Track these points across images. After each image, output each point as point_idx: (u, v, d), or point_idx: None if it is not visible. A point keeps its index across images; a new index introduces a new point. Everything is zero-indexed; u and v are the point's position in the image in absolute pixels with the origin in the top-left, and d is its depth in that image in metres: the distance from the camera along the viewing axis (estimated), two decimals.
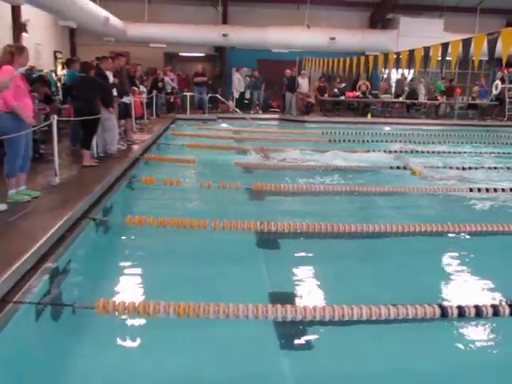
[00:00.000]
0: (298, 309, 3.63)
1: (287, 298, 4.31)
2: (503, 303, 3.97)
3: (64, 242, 4.77)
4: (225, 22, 20.71)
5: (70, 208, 5.38)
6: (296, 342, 3.70)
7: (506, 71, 19.64)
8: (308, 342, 3.69)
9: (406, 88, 20.59)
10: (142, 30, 19.06)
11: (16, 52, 5.42)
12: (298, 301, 4.25)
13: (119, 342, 3.56)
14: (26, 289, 3.74)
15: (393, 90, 22.17)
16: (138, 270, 4.86)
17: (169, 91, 17.95)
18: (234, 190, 7.61)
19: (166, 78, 17.75)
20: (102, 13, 15.32)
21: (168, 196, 7.47)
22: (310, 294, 4.47)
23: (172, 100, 18.34)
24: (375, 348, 3.67)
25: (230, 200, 7.37)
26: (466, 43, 8.89)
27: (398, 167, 9.59)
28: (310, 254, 5.48)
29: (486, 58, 9.24)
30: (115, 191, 7.09)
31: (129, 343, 3.55)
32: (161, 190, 7.58)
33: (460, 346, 3.71)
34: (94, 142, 8.17)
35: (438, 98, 20.68)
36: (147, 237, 5.58)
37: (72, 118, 8.29)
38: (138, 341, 3.60)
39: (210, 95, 18.19)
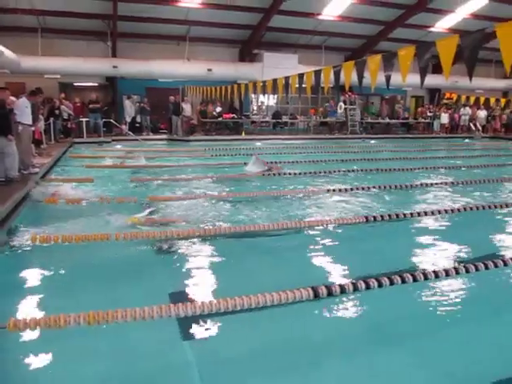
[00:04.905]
0: (197, 304, 3.56)
1: (186, 296, 4.24)
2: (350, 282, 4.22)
3: None
4: (114, 55, 20.03)
5: None
6: (197, 332, 3.60)
7: (347, 95, 21.29)
8: (208, 331, 3.62)
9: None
10: (35, 62, 17.69)
11: None
12: (195, 297, 4.15)
13: (34, 355, 3.22)
14: None
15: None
16: (47, 286, 4.43)
17: (65, 117, 16.92)
18: (132, 203, 7.33)
19: (62, 106, 16.71)
20: None
21: (71, 214, 6.88)
22: (205, 290, 4.40)
23: (69, 126, 17.29)
24: (266, 329, 3.71)
25: (129, 212, 7.06)
26: (317, 74, 9.45)
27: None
28: (201, 255, 5.36)
29: (332, 85, 9.86)
30: (19, 213, 6.50)
31: (43, 356, 3.21)
32: (64, 208, 7.02)
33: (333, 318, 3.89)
34: None
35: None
36: (53, 253, 5.09)
37: None
38: (52, 352, 3.26)
39: (104, 120, 17.72)
